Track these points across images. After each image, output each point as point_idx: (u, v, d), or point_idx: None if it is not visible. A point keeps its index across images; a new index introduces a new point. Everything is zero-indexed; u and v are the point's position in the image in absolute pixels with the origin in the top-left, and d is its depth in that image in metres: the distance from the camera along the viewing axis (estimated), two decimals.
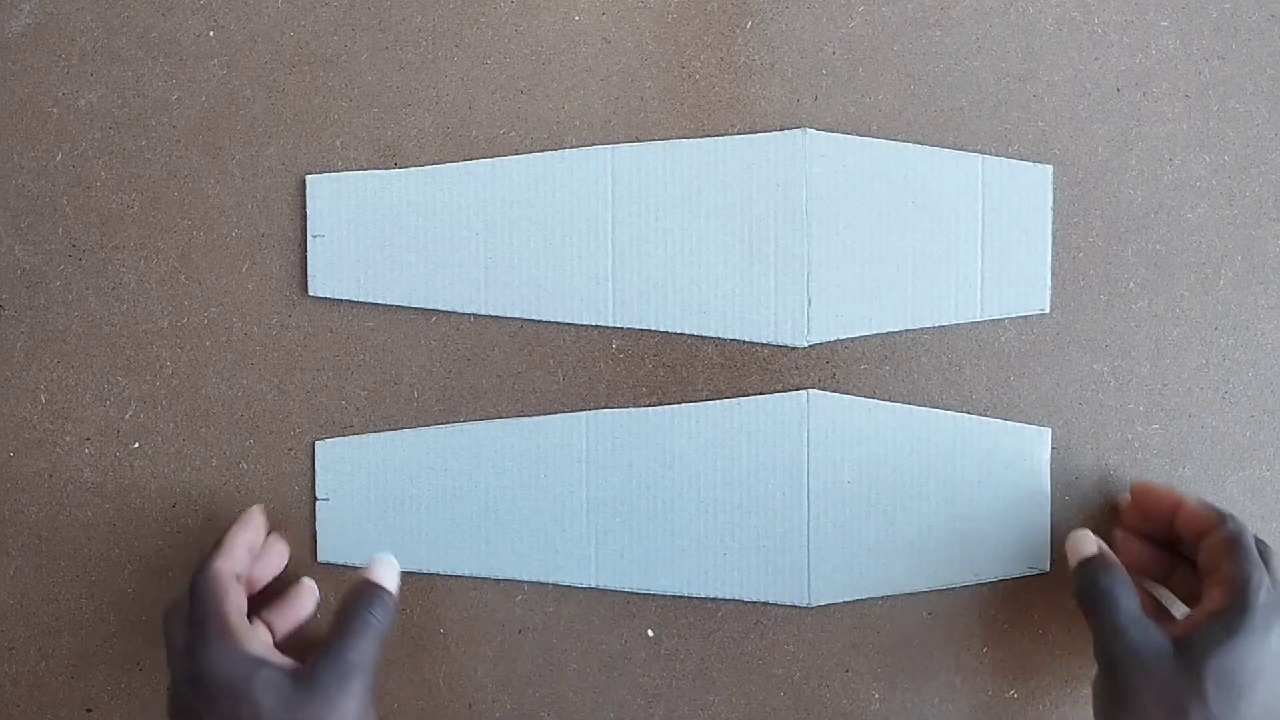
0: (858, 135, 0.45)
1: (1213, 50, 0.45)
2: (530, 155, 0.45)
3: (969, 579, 0.45)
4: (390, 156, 0.45)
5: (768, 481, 0.44)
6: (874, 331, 0.44)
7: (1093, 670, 0.40)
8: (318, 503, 0.45)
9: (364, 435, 0.45)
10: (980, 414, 0.45)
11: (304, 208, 0.45)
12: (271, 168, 0.46)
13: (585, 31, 0.46)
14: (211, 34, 0.46)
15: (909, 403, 0.45)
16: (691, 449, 0.45)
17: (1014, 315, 0.45)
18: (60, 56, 0.46)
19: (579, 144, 0.45)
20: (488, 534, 0.45)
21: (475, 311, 0.45)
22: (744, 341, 0.45)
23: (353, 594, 0.40)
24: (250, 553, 0.42)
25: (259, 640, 0.39)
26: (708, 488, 0.45)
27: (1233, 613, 0.37)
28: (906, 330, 0.45)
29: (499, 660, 0.46)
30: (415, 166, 0.45)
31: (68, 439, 0.46)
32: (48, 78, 0.46)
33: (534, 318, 0.45)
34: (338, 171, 0.45)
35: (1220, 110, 0.45)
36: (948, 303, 0.44)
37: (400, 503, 0.45)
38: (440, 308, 0.45)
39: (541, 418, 0.45)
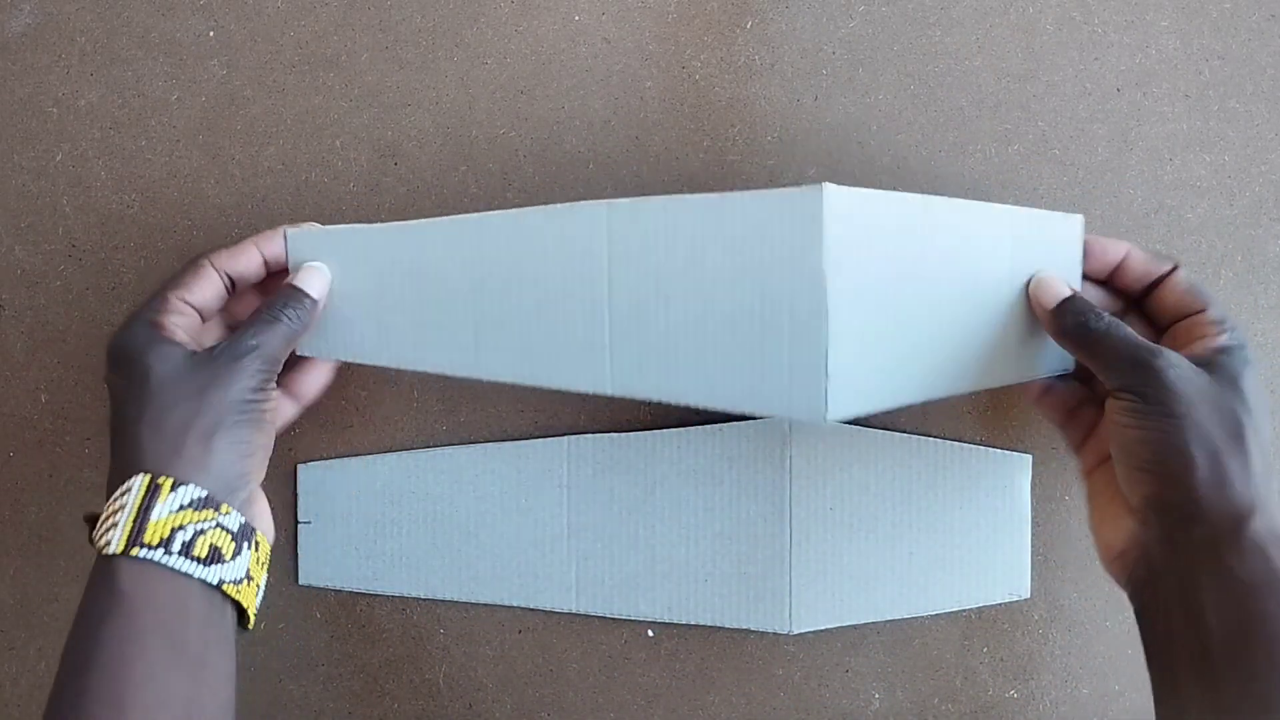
0: (847, 180, 0.39)
1: (1213, 50, 0.45)
2: (521, 210, 0.40)
3: (950, 606, 0.45)
4: (390, 156, 0.45)
5: (749, 508, 0.44)
6: (900, 404, 0.38)
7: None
8: (299, 526, 0.46)
9: (345, 459, 0.46)
10: (980, 412, 0.45)
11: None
12: (271, 168, 0.46)
13: (585, 31, 0.46)
14: (211, 34, 0.46)
15: (901, 413, 0.45)
16: (673, 475, 0.44)
17: (1048, 374, 0.41)
18: (60, 56, 0.46)
19: (579, 144, 0.45)
20: (469, 558, 0.45)
21: (465, 375, 0.41)
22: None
23: (273, 296, 0.40)
24: (258, 266, 0.41)
25: (181, 323, 0.38)
26: (689, 514, 0.44)
27: (1239, 346, 0.37)
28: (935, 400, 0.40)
29: (499, 660, 0.46)
30: (399, 221, 0.42)
31: (68, 439, 0.46)
32: (48, 78, 0.46)
33: (530, 383, 0.40)
34: (318, 228, 0.42)
35: (1220, 110, 0.45)
36: (977, 368, 0.39)
37: (381, 526, 0.45)
38: (428, 370, 0.41)
39: (523, 442, 0.45)
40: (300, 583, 0.46)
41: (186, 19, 0.46)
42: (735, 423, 0.44)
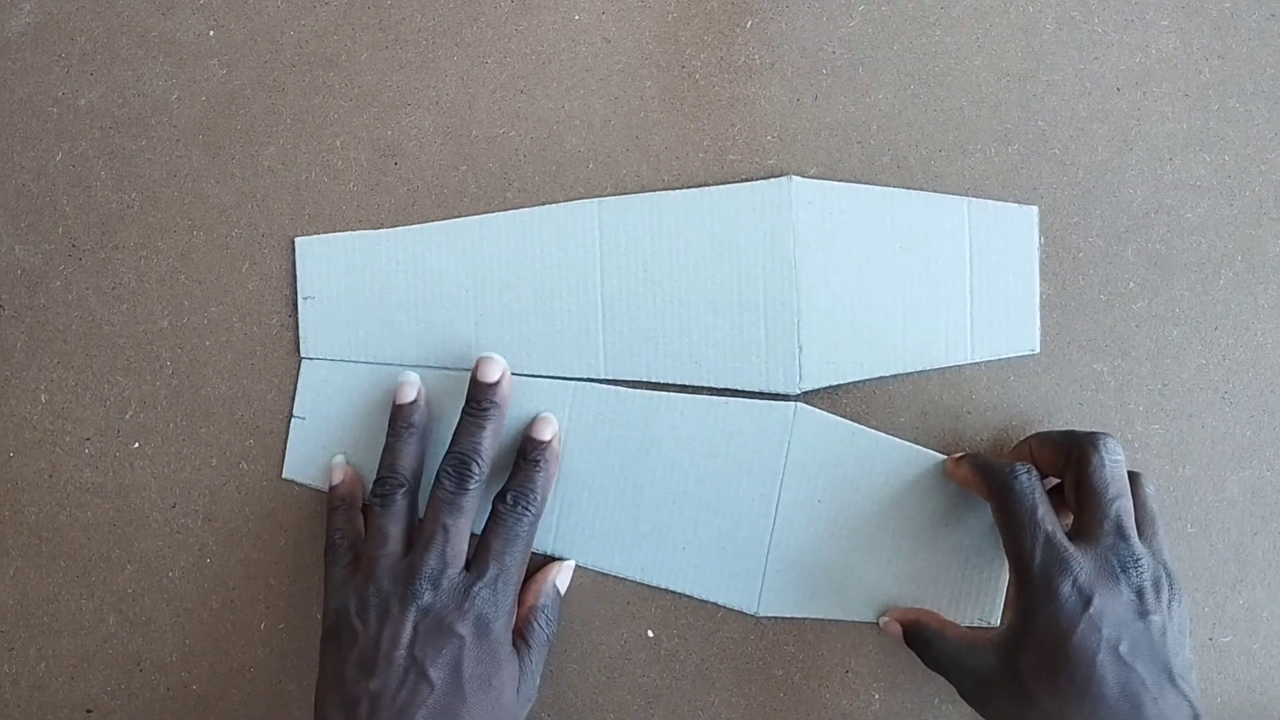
0: (844, 181, 0.44)
1: (1213, 50, 0.45)
2: (517, 211, 0.44)
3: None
4: (390, 156, 0.46)
5: (740, 485, 0.44)
6: (866, 377, 0.44)
7: None
8: (292, 420, 0.45)
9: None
10: (980, 412, 0.45)
11: (295, 265, 0.45)
12: (271, 168, 0.46)
13: (585, 31, 0.46)
14: (211, 34, 0.46)
15: (907, 402, 0.45)
16: (670, 439, 0.44)
17: (1005, 357, 0.44)
18: (60, 56, 0.46)
19: (579, 144, 0.45)
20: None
21: (467, 370, 0.44)
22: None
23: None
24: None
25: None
26: (679, 480, 0.44)
27: (1019, 602, 0.38)
28: (898, 375, 0.45)
29: None
30: (400, 226, 0.45)
31: (68, 439, 0.46)
32: (48, 78, 0.46)
33: (526, 373, 0.44)
34: (325, 234, 0.45)
35: (1220, 110, 0.45)
36: (938, 346, 0.44)
37: (380, 423, 0.44)
38: (433, 365, 0.44)
39: (530, 379, 0.44)
40: (285, 476, 0.45)
41: (186, 19, 0.46)
42: (741, 399, 0.44)
